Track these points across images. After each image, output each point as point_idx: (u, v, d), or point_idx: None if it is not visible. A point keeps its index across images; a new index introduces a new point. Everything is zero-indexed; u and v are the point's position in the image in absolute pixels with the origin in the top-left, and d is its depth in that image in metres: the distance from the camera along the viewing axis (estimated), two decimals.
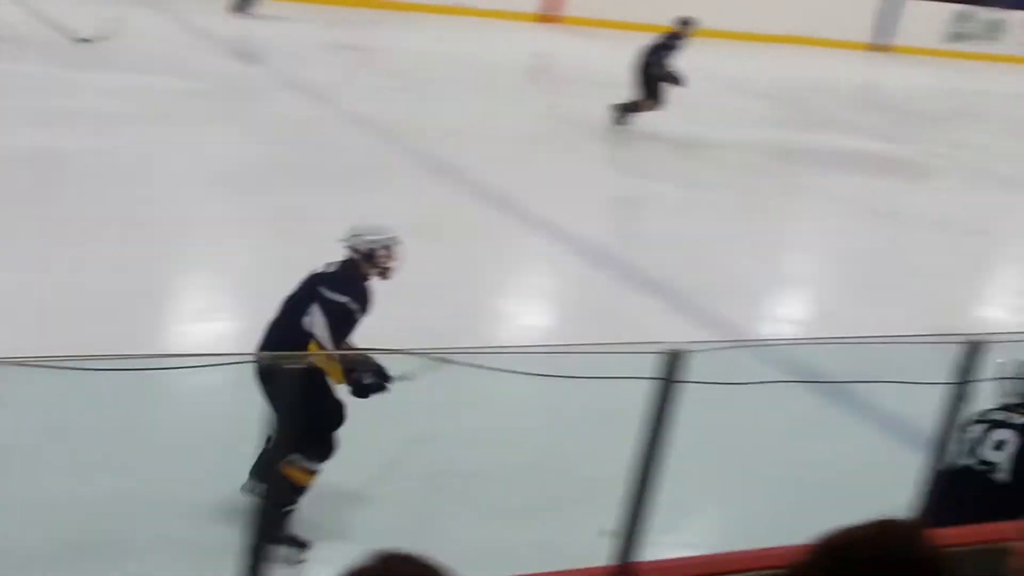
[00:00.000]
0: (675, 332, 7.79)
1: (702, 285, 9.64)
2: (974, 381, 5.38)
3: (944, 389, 5.32)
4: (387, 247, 5.70)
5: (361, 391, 5.44)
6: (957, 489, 5.04)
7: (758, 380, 6.01)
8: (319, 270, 5.61)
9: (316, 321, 5.40)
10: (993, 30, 26.25)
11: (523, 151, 13.52)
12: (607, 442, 5.10)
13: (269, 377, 4.79)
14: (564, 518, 5.97)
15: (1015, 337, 8.01)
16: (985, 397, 5.13)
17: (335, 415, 5.50)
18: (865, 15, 25.19)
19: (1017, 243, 13.49)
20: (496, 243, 10.32)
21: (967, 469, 5.26)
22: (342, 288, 5.50)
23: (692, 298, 9.37)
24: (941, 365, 5.33)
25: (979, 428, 5.39)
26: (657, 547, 4.14)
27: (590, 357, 5.78)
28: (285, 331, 5.43)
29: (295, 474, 5.45)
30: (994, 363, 5.38)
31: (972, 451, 5.29)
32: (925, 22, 25.51)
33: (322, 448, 5.51)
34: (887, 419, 7.46)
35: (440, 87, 16.24)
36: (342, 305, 5.45)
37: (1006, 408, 5.41)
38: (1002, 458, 5.26)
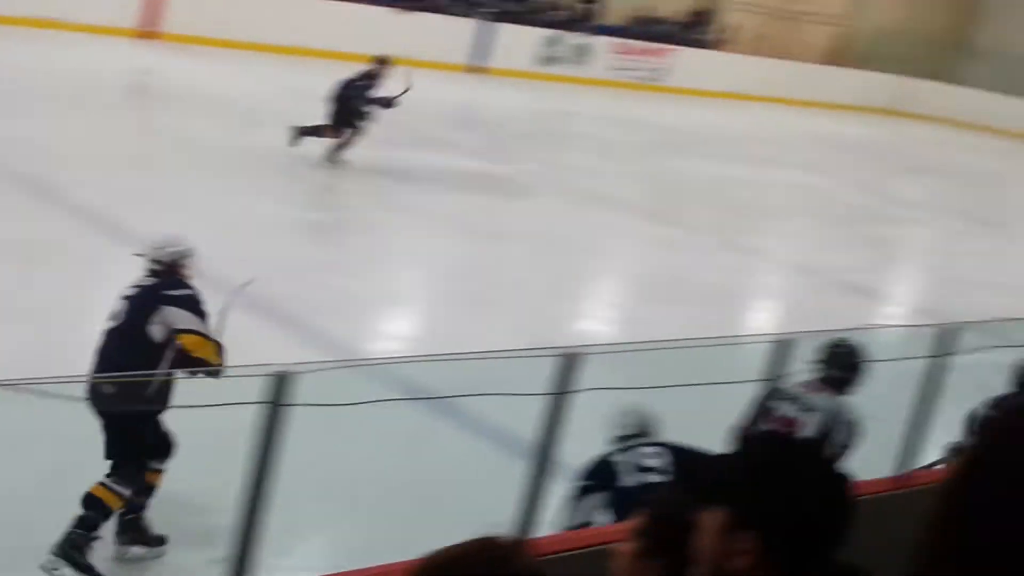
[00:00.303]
0: (282, 353, 7.72)
1: (307, 305, 9.60)
2: (571, 392, 5.65)
3: (544, 400, 5.55)
4: (187, 256, 6.16)
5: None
6: (629, 506, 5.19)
7: (367, 399, 6.06)
8: (137, 288, 5.96)
9: (178, 318, 5.80)
10: (581, 54, 27.53)
11: (123, 171, 13.06)
12: (218, 468, 5.01)
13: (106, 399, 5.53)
14: (178, 545, 5.82)
15: (609, 349, 8.42)
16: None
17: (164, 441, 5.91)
18: (461, 37, 25.85)
19: (609, 257, 14.17)
20: (93, 266, 9.92)
21: (634, 486, 5.68)
22: (179, 284, 5.97)
23: (297, 319, 9.31)
24: (543, 377, 5.54)
25: (618, 456, 5.87)
26: (273, 571, 4.09)
27: (198, 382, 5.66)
28: (134, 349, 5.77)
29: (151, 477, 5.88)
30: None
31: (631, 470, 5.76)
32: (518, 46, 26.43)
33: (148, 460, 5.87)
34: (495, 432, 7.67)
35: (33, 104, 15.46)
36: (191, 296, 5.92)
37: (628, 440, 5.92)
38: (660, 464, 5.79)
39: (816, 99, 30.63)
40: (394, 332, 9.96)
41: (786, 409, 6.43)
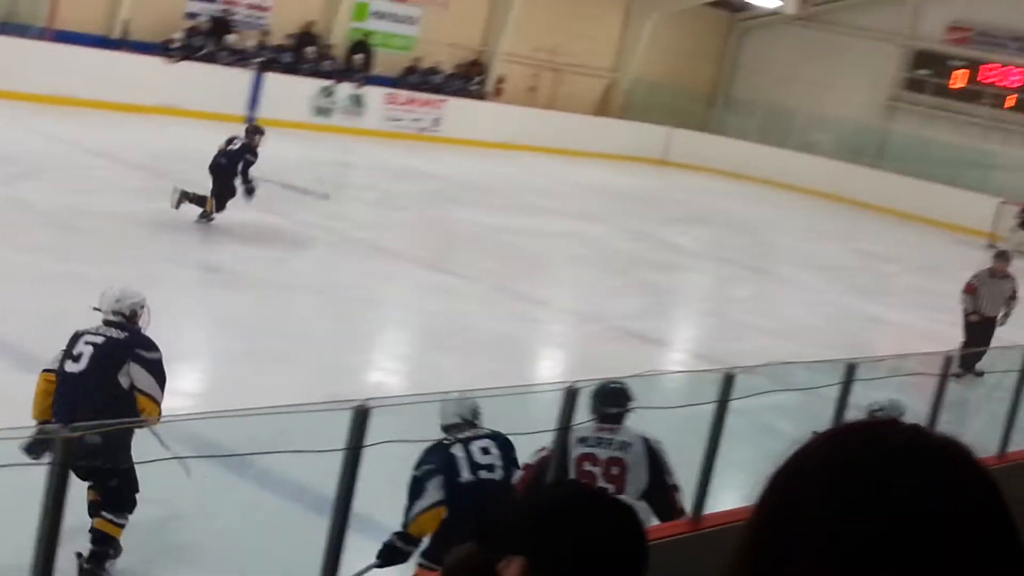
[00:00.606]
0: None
1: None
2: (363, 447, 5.57)
3: (342, 454, 5.46)
4: (143, 306, 6.74)
5: None
6: (472, 499, 5.98)
7: (159, 457, 5.86)
8: (103, 337, 6.39)
9: (142, 379, 6.34)
10: (355, 105, 27.52)
11: None
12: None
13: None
14: None
15: (398, 401, 8.35)
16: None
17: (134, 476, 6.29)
18: (240, 88, 25.52)
19: (393, 308, 14.12)
20: None
21: (471, 482, 6.10)
22: (151, 346, 6.48)
23: None
24: (337, 430, 5.45)
25: (458, 448, 6.22)
26: None
27: None
28: (102, 393, 6.21)
29: (109, 528, 6.24)
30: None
31: (468, 466, 6.14)
32: (292, 96, 26.24)
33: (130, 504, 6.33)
34: (290, 486, 7.50)
35: None
36: (159, 361, 6.48)
37: (462, 428, 6.35)
38: (493, 459, 6.20)
39: (587, 149, 31.30)
40: (182, 389, 9.66)
41: (604, 452, 6.63)
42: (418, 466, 6.19)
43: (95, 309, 6.65)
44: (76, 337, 6.52)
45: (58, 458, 4.41)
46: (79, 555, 6.23)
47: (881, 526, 1.06)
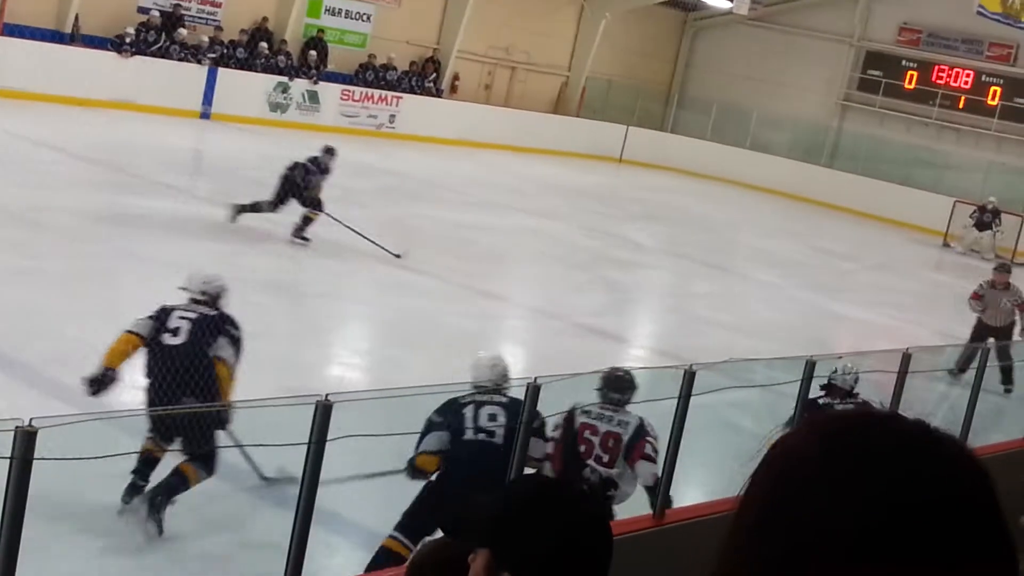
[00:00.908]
0: (14, 406, 7.29)
1: (48, 355, 9.14)
2: (327, 440, 5.50)
3: (306, 448, 5.40)
4: (226, 289, 7.67)
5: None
6: (469, 455, 6.71)
7: (114, 451, 5.76)
8: (196, 314, 7.29)
9: (227, 352, 7.20)
10: (311, 101, 27.39)
11: None
12: None
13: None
14: None
15: (364, 396, 8.28)
16: None
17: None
18: (194, 85, 25.35)
19: (352, 303, 14.03)
20: None
21: (471, 441, 6.76)
22: (237, 325, 7.36)
23: (39, 369, 8.85)
24: (301, 424, 5.38)
25: (470, 408, 6.86)
26: None
27: None
28: (197, 363, 7.06)
29: (191, 472, 6.89)
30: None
31: (472, 427, 6.80)
32: (248, 92, 26.10)
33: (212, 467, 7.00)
34: (254, 481, 7.42)
35: None
36: (241, 339, 7.36)
37: (482, 392, 7.01)
38: (497, 426, 6.85)
39: (544, 147, 31.31)
40: (143, 383, 9.57)
41: (603, 426, 7.37)
42: (434, 413, 6.83)
43: (181, 289, 7.56)
44: (166, 312, 7.31)
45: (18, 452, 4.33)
46: (134, 472, 7.02)
47: (891, 517, 1.03)
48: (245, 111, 25.87)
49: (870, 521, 1.03)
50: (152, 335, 7.19)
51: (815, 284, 20.19)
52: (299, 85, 27.14)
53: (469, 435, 6.79)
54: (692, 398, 7.61)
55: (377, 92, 28.89)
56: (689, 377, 7.52)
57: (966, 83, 33.37)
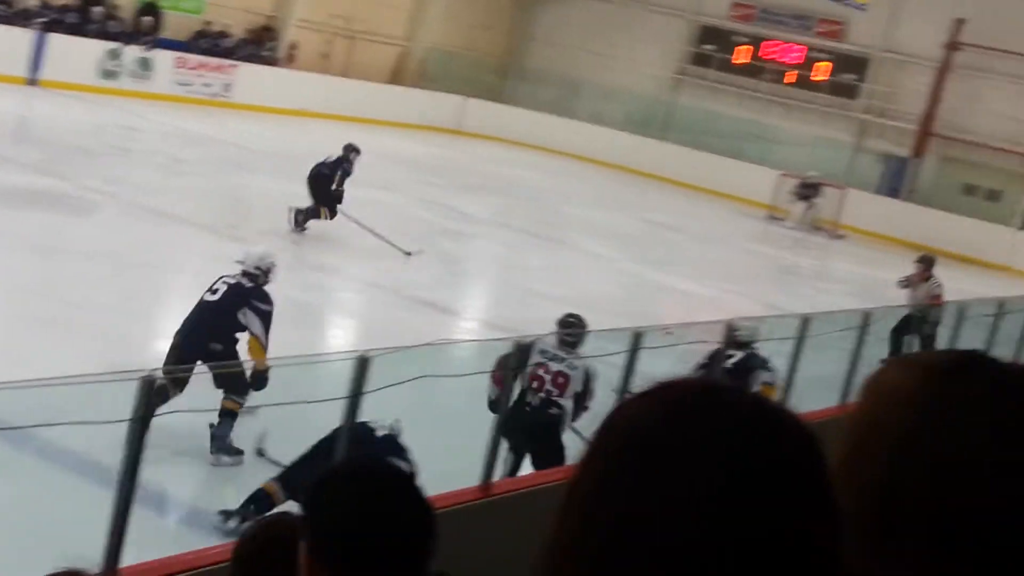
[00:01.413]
0: None
1: None
2: (153, 416, 5.49)
3: (128, 425, 5.37)
4: (275, 266, 8.99)
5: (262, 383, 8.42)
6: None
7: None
8: (236, 281, 8.69)
9: (254, 324, 8.55)
10: (143, 68, 26.81)
11: None
12: None
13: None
14: None
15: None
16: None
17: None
18: (20, 49, 24.59)
19: (181, 275, 13.84)
20: None
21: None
22: (268, 300, 8.70)
23: None
24: (124, 402, 5.36)
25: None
26: None
27: None
28: (223, 320, 8.56)
29: (232, 405, 8.31)
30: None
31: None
32: (78, 58, 25.43)
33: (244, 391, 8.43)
34: (75, 459, 7.32)
35: None
36: (270, 312, 8.64)
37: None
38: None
39: (381, 118, 31.14)
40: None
41: (555, 365, 8.51)
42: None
43: (238, 262, 8.87)
44: (219, 279, 8.80)
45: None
46: (211, 425, 8.31)
47: (729, 483, 1.06)
48: (75, 78, 25.21)
49: (710, 488, 1.05)
50: (202, 297, 8.73)
51: (644, 257, 20.57)
52: (132, 52, 26.54)
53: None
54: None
55: (212, 60, 28.39)
56: (520, 349, 7.67)
57: (795, 58, 34.17)
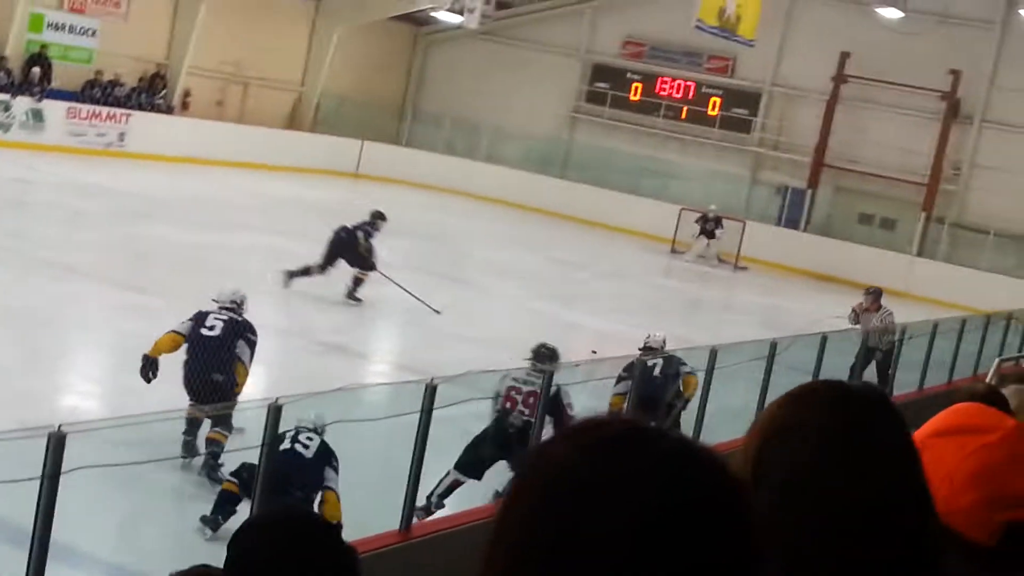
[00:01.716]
0: None
1: None
2: (60, 473, 5.36)
3: (37, 483, 5.24)
4: (247, 298, 10.03)
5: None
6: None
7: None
8: (228, 316, 9.70)
9: (244, 352, 9.61)
10: (35, 119, 26.41)
11: None
12: None
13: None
14: None
15: (95, 425, 8.07)
16: None
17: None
18: None
19: (82, 330, 13.59)
20: None
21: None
22: (254, 331, 9.79)
23: None
24: (30, 459, 5.22)
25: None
26: None
27: None
28: (224, 352, 9.50)
29: (218, 436, 9.13)
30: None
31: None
32: None
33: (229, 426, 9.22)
34: None
35: None
36: (256, 342, 9.73)
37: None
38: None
39: (279, 163, 30.97)
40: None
41: (525, 387, 9.42)
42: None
43: (214, 300, 9.89)
44: (203, 315, 9.73)
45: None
46: (186, 436, 9.28)
47: (660, 520, 1.09)
48: None
49: (635, 523, 1.08)
50: (192, 332, 9.57)
51: (550, 294, 20.63)
52: (22, 103, 26.14)
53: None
54: (434, 411, 7.71)
55: (105, 109, 28.08)
56: (431, 391, 7.62)
57: (688, 94, 34.62)
